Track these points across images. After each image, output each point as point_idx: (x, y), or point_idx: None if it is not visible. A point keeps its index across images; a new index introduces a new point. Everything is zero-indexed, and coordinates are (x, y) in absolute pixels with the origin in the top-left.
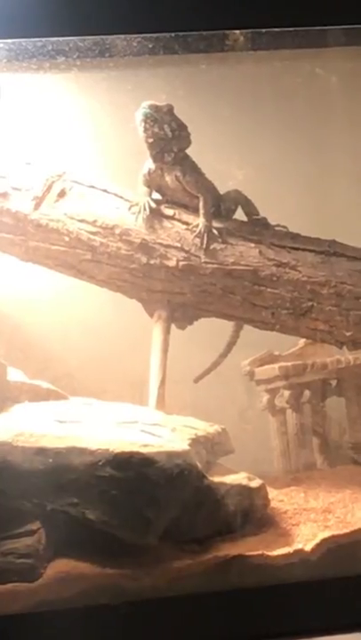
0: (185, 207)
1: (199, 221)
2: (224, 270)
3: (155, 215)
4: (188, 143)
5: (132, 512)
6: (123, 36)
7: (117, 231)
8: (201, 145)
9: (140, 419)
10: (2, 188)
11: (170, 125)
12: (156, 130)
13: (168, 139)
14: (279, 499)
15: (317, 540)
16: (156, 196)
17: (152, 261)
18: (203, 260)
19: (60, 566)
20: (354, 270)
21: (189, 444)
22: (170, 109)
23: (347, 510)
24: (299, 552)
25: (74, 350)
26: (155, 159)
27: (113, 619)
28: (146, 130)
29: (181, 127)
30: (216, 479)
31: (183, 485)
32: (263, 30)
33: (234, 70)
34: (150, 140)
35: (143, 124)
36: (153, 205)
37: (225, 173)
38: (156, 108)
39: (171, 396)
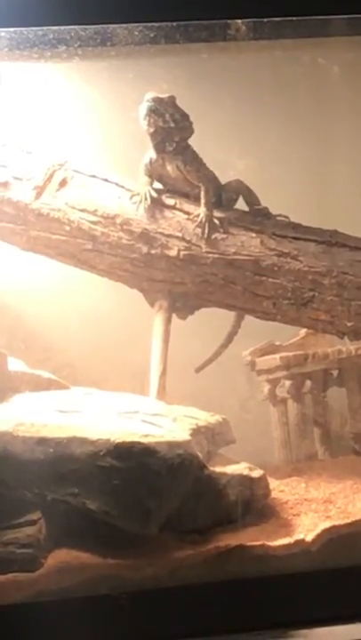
0: (186, 197)
1: (200, 211)
2: (225, 260)
3: (156, 205)
4: (190, 133)
5: (133, 502)
6: (124, 25)
7: (118, 221)
8: (202, 134)
9: (141, 409)
10: (3, 177)
11: (172, 116)
12: (160, 123)
13: (170, 129)
14: (280, 489)
15: (318, 531)
16: (158, 185)
17: (153, 251)
18: (204, 250)
19: (61, 556)
20: (355, 260)
21: (190, 434)
22: (172, 100)
23: (348, 501)
24: (300, 542)
25: (75, 340)
26: (156, 149)
27: (114, 609)
28: (149, 122)
29: (184, 117)
30: (217, 469)
31: (184, 475)
32: (265, 20)
33: (235, 60)
34: (152, 130)
35: (148, 118)
36: (154, 195)
37: (226, 163)
38: (158, 101)
39: (172, 386)
